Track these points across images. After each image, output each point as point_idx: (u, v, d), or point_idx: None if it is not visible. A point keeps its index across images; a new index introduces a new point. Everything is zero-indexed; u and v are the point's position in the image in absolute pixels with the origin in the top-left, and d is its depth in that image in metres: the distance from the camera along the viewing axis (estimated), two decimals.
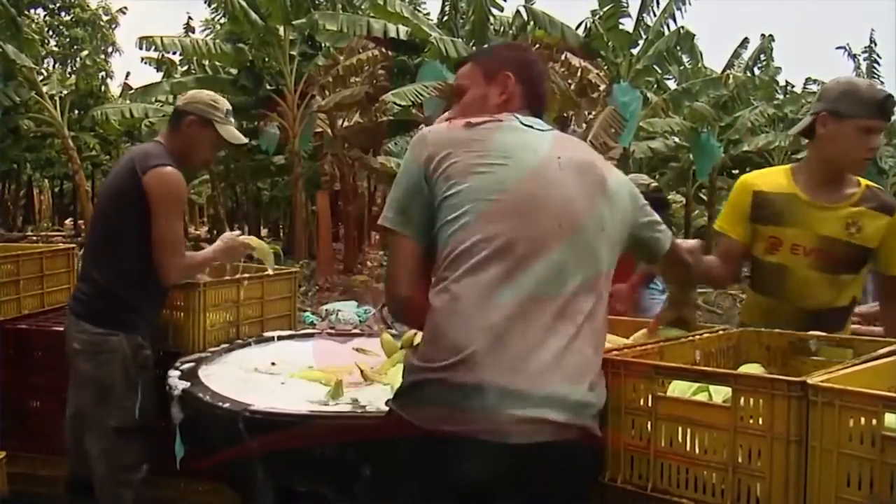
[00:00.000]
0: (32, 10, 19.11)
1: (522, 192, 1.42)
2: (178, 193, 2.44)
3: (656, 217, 1.69)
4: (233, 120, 2.66)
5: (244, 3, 12.27)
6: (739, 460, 1.40)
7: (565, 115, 12.45)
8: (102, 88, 20.03)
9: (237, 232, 3.21)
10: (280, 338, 2.81)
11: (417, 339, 2.02)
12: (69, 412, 2.53)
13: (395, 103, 11.91)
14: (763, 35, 17.54)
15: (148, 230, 2.40)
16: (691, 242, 1.99)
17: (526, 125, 1.54)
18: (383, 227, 1.49)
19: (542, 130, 1.56)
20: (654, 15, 12.64)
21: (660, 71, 13.26)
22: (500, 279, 1.36)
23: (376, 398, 2.16)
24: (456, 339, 1.34)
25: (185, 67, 17.08)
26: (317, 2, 13.73)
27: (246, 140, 2.87)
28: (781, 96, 17.97)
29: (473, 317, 1.35)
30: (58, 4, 20.54)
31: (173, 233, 2.42)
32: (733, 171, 19.51)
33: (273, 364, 2.45)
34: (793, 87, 19.73)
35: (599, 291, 1.46)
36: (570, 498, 1.43)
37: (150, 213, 2.38)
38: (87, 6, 21.42)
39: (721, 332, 1.95)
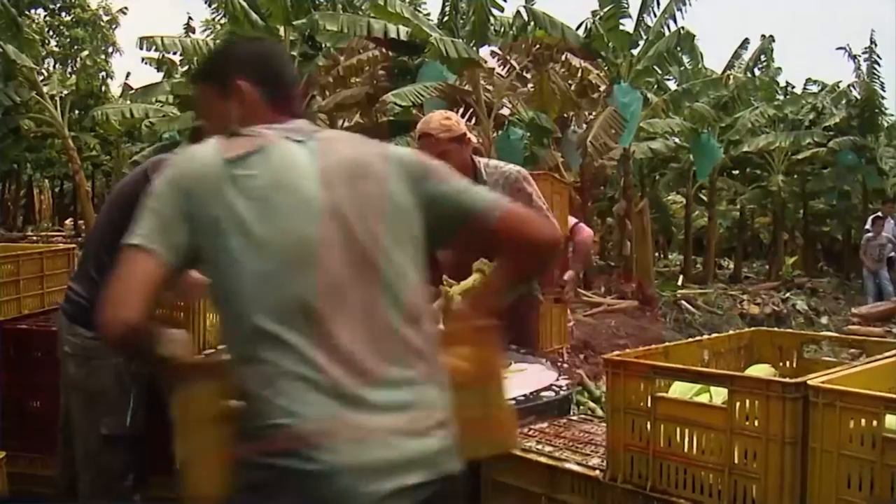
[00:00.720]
0: (33, 11, 19.07)
1: (302, 239, 1.25)
2: None
3: (461, 184, 1.44)
4: None
5: (244, 4, 12.25)
6: (735, 461, 1.40)
7: (565, 115, 12.44)
8: (103, 88, 19.98)
9: None
10: None
11: None
12: (62, 414, 2.51)
13: (395, 104, 11.88)
14: (763, 35, 17.46)
15: None
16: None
17: (288, 137, 1.34)
18: (126, 247, 1.27)
19: (304, 140, 1.35)
20: (655, 15, 12.62)
21: (660, 71, 13.23)
22: (311, 344, 1.21)
23: None
24: (290, 419, 1.19)
25: (186, 68, 17.04)
26: (317, 2, 13.71)
27: None
28: (782, 97, 17.90)
29: (299, 391, 1.19)
30: (58, 5, 20.49)
31: None
32: (733, 172, 19.50)
33: None
34: (793, 87, 19.66)
35: (418, 312, 1.32)
36: None
37: None
38: (88, 6, 21.39)
39: (731, 332, 1.96)
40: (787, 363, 1.90)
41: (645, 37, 12.63)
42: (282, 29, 12.62)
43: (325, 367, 1.21)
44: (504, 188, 2.80)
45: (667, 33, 12.29)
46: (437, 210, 1.38)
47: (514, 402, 2.04)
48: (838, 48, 16.93)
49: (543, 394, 2.11)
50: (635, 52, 12.50)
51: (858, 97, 16.56)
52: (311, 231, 1.26)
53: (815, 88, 18.61)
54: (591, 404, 4.93)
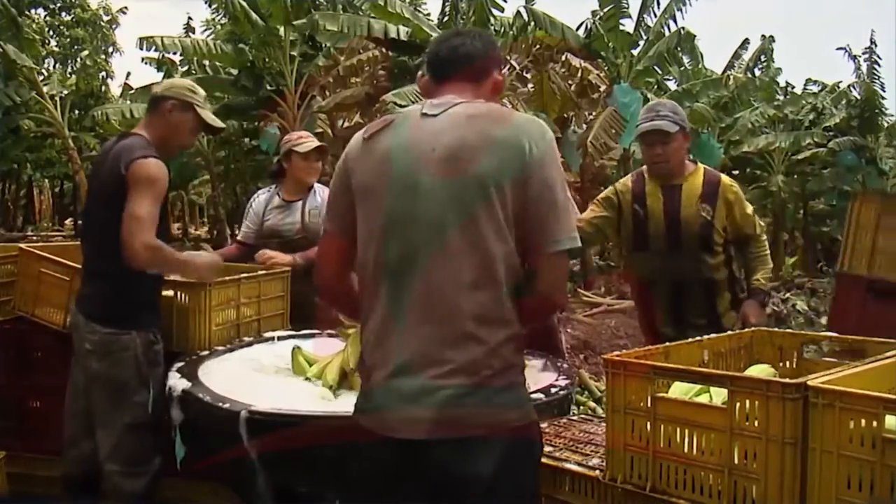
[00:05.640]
0: (33, 11, 19.07)
1: (398, 210, 1.49)
2: (155, 177, 2.41)
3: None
4: (209, 106, 2.70)
5: (245, 4, 12.25)
6: (735, 462, 1.40)
7: (565, 115, 12.43)
8: (103, 88, 20.00)
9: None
10: (280, 338, 2.81)
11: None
12: (74, 411, 2.55)
13: (395, 104, 11.85)
14: (763, 36, 17.50)
15: None
16: None
17: (426, 113, 1.54)
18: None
19: (436, 114, 1.53)
20: (655, 16, 12.62)
21: (660, 72, 13.23)
22: (385, 303, 1.49)
23: None
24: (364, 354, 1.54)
25: (186, 68, 17.02)
26: (317, 2, 13.70)
27: (223, 125, 2.92)
28: (782, 97, 17.91)
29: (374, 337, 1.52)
30: (58, 4, 20.50)
31: (143, 209, 2.34)
32: (734, 172, 19.49)
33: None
34: (793, 87, 19.67)
35: (496, 297, 1.45)
36: (481, 496, 1.41)
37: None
38: (88, 6, 21.39)
39: (731, 332, 1.95)
40: (787, 363, 1.90)
41: (645, 37, 12.64)
42: (282, 29, 12.61)
43: (385, 311, 1.50)
44: None
45: (667, 33, 12.29)
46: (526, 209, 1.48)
47: None
48: (838, 48, 16.95)
49: (541, 394, 2.11)
50: (635, 52, 12.50)
51: (858, 97, 16.56)
52: (403, 206, 1.48)
53: (815, 89, 18.61)
54: (592, 404, 4.93)
